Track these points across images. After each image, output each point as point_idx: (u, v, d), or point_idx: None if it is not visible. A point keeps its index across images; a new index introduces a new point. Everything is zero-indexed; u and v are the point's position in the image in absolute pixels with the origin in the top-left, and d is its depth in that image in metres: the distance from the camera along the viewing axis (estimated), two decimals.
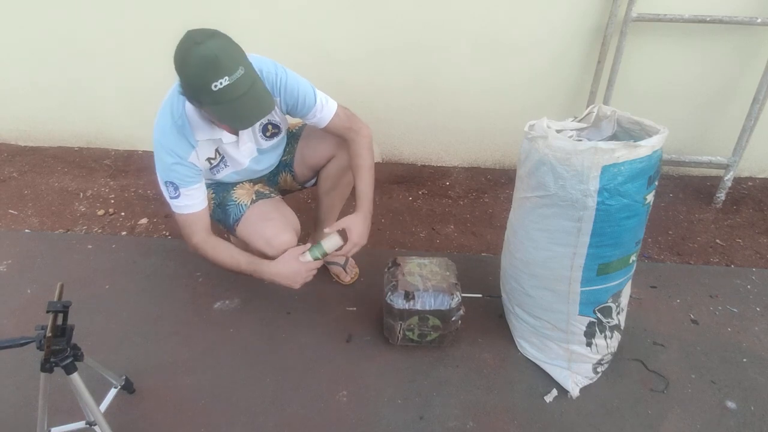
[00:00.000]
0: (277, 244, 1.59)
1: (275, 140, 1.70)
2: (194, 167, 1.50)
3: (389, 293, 1.60)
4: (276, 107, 1.54)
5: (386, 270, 1.72)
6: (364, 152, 1.62)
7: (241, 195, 1.70)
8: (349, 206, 1.82)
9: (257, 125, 1.60)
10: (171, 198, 1.51)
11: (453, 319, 1.62)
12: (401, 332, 1.65)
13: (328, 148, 1.72)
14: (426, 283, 1.62)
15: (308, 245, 1.61)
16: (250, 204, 1.67)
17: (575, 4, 2.28)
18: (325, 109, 1.56)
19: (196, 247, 1.56)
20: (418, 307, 1.58)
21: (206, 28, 1.26)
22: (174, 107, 1.44)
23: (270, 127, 1.64)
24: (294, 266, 1.54)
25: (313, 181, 1.88)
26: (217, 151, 1.57)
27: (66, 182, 2.67)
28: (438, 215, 2.44)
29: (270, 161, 1.77)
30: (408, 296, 1.58)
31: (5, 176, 2.71)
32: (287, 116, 1.65)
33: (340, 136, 1.65)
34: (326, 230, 1.61)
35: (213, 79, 1.20)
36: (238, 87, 1.23)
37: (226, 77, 1.21)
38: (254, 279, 2.05)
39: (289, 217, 1.69)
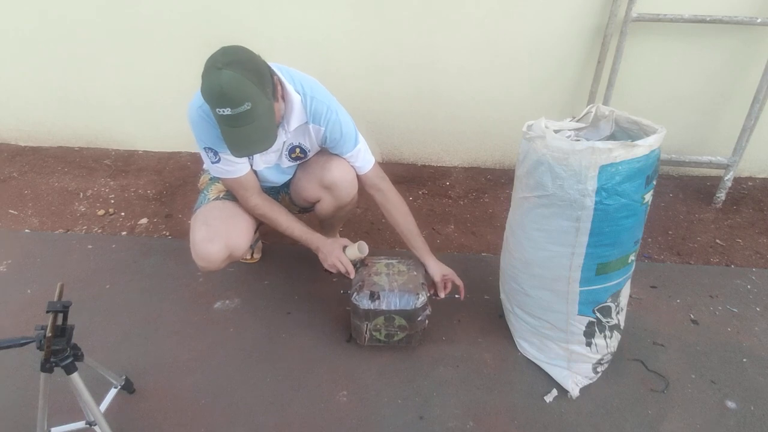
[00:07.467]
0: (201, 251, 1.56)
1: (297, 163, 1.75)
2: None
3: (355, 294, 1.60)
4: (313, 136, 1.61)
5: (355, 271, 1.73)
6: (398, 206, 1.71)
7: (215, 189, 1.73)
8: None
9: (285, 145, 1.63)
10: (213, 164, 1.55)
11: (419, 319, 1.62)
12: (368, 332, 1.65)
13: (313, 192, 1.74)
14: (392, 283, 1.62)
15: (356, 243, 1.66)
16: (213, 200, 1.68)
17: (575, 3, 2.28)
18: (361, 160, 1.67)
19: (254, 209, 1.66)
20: (384, 307, 1.58)
21: (237, 51, 1.31)
22: None
23: (298, 150, 1.67)
24: (336, 246, 1.64)
25: (309, 207, 1.88)
26: None
27: (66, 182, 2.67)
28: (438, 215, 2.44)
29: (284, 177, 1.80)
30: (373, 296, 1.58)
31: (5, 176, 2.71)
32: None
33: (371, 188, 1.72)
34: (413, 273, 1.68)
35: (216, 106, 1.28)
36: (237, 119, 1.29)
37: (228, 109, 1.27)
38: (256, 278, 2.05)
39: (234, 228, 1.63)
